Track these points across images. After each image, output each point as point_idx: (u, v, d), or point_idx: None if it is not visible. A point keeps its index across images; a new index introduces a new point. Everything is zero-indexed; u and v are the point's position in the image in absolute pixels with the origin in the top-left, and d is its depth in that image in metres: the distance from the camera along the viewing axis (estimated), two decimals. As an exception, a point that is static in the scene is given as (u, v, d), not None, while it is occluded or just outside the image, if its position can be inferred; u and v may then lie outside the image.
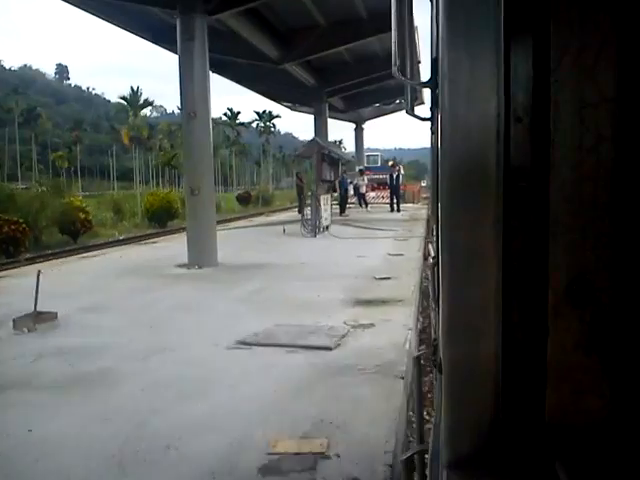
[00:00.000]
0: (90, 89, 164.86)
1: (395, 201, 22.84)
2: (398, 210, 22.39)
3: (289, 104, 27.93)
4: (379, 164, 38.63)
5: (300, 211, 16.66)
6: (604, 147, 0.96)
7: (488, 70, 0.98)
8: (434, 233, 2.97)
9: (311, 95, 22.42)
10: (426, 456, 1.97)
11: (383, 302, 6.70)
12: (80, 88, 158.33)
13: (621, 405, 0.99)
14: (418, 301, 7.24)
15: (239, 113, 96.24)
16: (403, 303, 6.63)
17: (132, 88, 78.77)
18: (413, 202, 29.28)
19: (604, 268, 0.97)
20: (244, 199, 46.51)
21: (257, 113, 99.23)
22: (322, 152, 15.35)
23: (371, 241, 13.08)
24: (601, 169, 0.96)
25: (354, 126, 33.61)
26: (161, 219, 27.12)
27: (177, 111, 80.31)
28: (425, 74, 1.57)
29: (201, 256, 9.95)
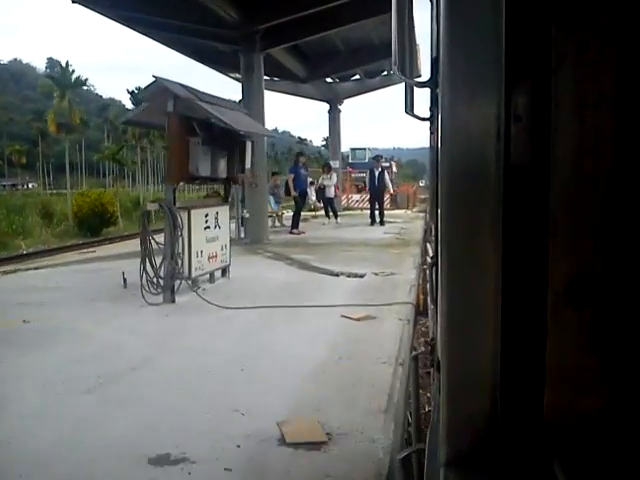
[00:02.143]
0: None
1: (377, 208, 15.76)
2: (381, 222, 15.45)
3: (239, 75, 16.16)
4: (366, 160, 32.17)
5: (144, 246, 6.48)
6: (604, 147, 0.96)
7: (488, 69, 0.98)
8: (433, 233, 2.97)
9: (241, 42, 12.08)
10: (423, 455, 1.97)
11: None
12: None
13: (619, 405, 1.00)
14: None
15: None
16: None
17: (60, 64, 61.55)
18: (407, 208, 23.23)
19: (603, 269, 0.98)
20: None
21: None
22: (183, 114, 6.23)
23: (283, 327, 5.06)
24: (601, 169, 0.96)
25: (327, 107, 23.56)
26: (92, 226, 21.58)
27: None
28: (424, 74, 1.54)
29: None
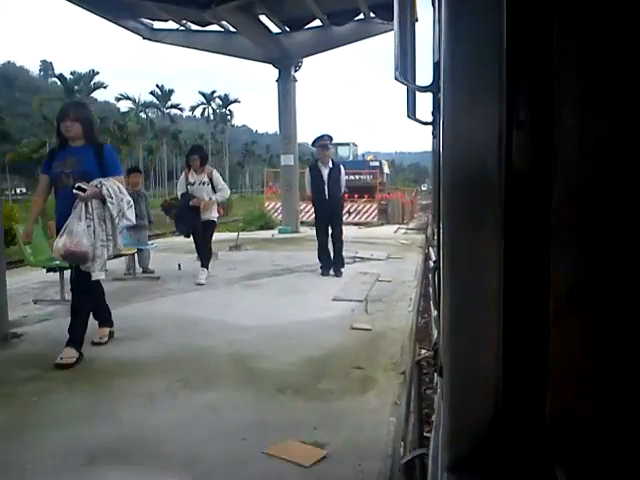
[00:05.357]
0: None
1: (332, 236, 8.10)
2: (337, 269, 8.05)
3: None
4: (351, 158, 25.56)
5: None
6: (606, 152, 0.96)
7: (490, 74, 0.98)
8: (435, 237, 2.97)
9: None
10: (426, 460, 1.97)
11: None
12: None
13: (620, 409, 0.99)
14: None
15: (172, 92, 72.88)
16: None
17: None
18: (401, 222, 18.31)
19: (606, 273, 0.97)
20: (171, 209, 38.19)
21: (203, 94, 73.86)
22: None
23: None
24: (603, 174, 0.96)
25: (276, 75, 15.73)
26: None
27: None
28: (425, 78, 1.55)
29: None
